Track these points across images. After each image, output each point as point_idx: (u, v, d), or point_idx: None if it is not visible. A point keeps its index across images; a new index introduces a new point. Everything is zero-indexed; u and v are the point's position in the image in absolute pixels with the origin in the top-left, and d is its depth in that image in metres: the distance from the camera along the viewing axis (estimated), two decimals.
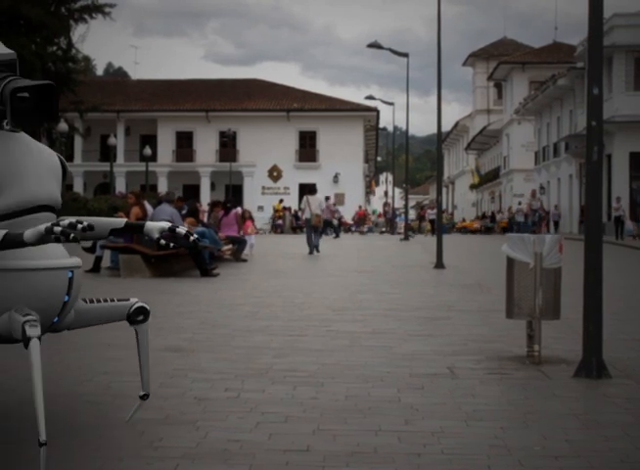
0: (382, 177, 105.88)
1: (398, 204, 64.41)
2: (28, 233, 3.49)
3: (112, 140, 45.30)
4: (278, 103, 61.12)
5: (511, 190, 61.49)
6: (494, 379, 5.46)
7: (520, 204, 53.42)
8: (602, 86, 5.69)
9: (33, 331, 3.56)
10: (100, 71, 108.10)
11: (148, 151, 50.31)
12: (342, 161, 59.15)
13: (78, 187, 57.73)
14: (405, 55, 35.46)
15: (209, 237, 15.79)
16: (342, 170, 59.63)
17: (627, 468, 3.63)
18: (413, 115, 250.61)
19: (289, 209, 51.04)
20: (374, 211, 62.66)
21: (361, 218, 54.42)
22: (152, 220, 14.04)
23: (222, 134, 59.29)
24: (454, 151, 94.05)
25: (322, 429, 4.15)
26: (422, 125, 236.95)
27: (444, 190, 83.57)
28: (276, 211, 51.24)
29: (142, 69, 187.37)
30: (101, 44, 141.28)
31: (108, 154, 47.41)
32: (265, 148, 59.36)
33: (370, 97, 52.14)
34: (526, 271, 6.04)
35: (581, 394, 5.16)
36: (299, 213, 46.96)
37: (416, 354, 6.34)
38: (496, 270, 14.09)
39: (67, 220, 3.47)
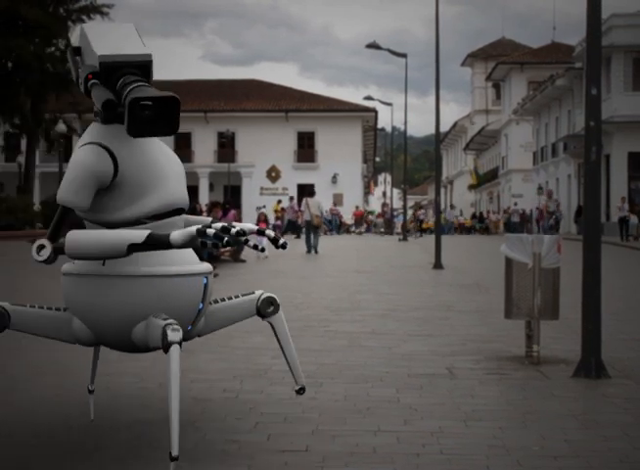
0: (380, 178, 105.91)
1: (397, 204, 64.41)
2: (176, 235, 3.37)
3: None
4: (276, 103, 61.13)
5: (509, 190, 61.52)
6: (493, 379, 5.46)
7: (516, 205, 53.51)
8: (600, 86, 5.69)
9: (175, 335, 3.39)
10: None
11: None
12: (341, 161, 59.16)
13: None
14: (404, 55, 35.48)
15: None
16: (340, 171, 59.65)
17: (626, 468, 3.63)
18: (411, 115, 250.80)
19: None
20: (372, 212, 62.63)
21: (358, 219, 54.38)
22: None
23: (221, 135, 59.33)
24: (452, 151, 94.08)
25: (321, 429, 4.15)
26: (420, 126, 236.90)
27: (443, 190, 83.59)
28: (275, 211, 51.25)
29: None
30: None
31: None
32: (264, 148, 59.36)
33: (368, 97, 52.17)
34: (525, 271, 6.04)
35: (580, 394, 5.16)
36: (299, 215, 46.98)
37: (415, 355, 6.34)
38: (495, 270, 14.10)
39: (219, 224, 3.36)
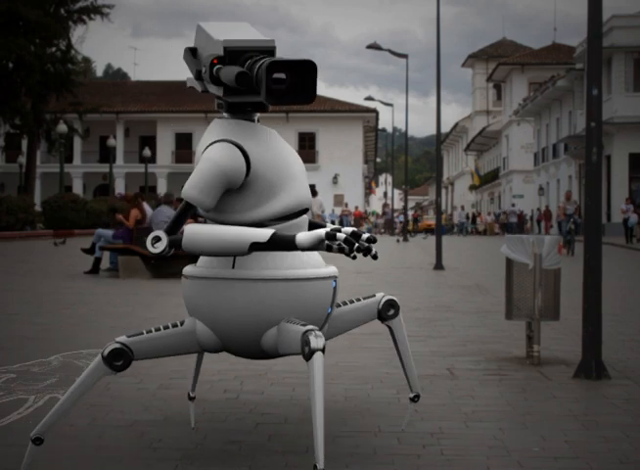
0: (381, 178, 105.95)
1: (398, 205, 64.43)
2: (303, 237, 3.22)
3: (111, 141, 45.35)
4: None
5: (510, 191, 61.55)
6: (493, 380, 5.46)
7: (513, 205, 53.59)
8: (601, 87, 5.69)
9: (319, 342, 3.22)
10: (99, 73, 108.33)
11: (147, 152, 50.37)
12: (342, 162, 59.21)
13: (78, 188, 57.82)
14: (404, 56, 35.50)
15: None
16: (341, 171, 59.69)
17: (627, 469, 3.63)
18: (412, 116, 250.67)
19: None
20: (373, 212, 62.67)
21: (357, 219, 54.39)
22: (151, 221, 14.10)
23: None
24: (453, 152, 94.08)
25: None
26: (421, 126, 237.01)
27: (444, 191, 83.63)
28: None
29: (141, 70, 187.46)
30: (100, 45, 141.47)
31: (107, 155, 47.49)
32: None
33: (369, 98, 52.21)
34: (526, 272, 6.04)
35: (581, 395, 5.15)
36: None
37: (415, 355, 6.30)
38: (495, 271, 14.11)
39: (348, 228, 3.22)
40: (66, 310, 9.15)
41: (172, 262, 14.30)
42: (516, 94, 59.65)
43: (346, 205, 55.38)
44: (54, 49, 43.50)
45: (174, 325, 3.56)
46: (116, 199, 30.93)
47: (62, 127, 38.48)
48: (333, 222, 54.07)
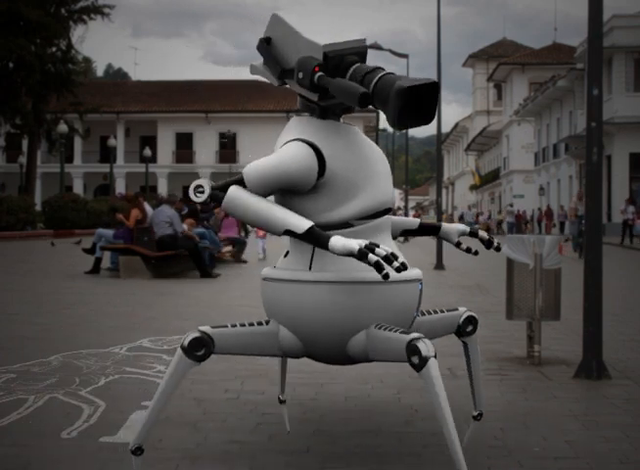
0: None
1: (398, 204, 64.44)
2: (337, 242, 3.04)
3: (111, 141, 45.36)
4: (278, 104, 61.16)
5: (511, 191, 61.55)
6: (494, 380, 5.45)
7: (512, 206, 53.61)
8: (602, 87, 5.69)
9: (430, 349, 3.13)
10: (100, 73, 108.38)
11: (148, 152, 50.39)
12: None
13: (78, 188, 57.83)
14: (405, 56, 35.49)
15: (209, 238, 15.80)
16: None
17: (627, 469, 3.63)
18: None
19: None
20: None
21: None
22: (151, 221, 14.10)
23: (222, 135, 59.34)
24: (454, 152, 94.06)
25: (322, 430, 4.15)
26: (421, 127, 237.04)
27: (444, 191, 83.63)
28: None
29: (141, 69, 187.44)
30: (101, 45, 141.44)
31: (107, 155, 47.49)
32: (265, 149, 58.99)
33: None
34: (526, 272, 6.04)
35: (581, 395, 5.15)
36: None
37: None
38: (496, 271, 14.10)
39: (382, 250, 2.99)
40: (66, 310, 9.15)
41: (172, 262, 14.32)
42: (516, 94, 59.64)
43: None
44: (54, 49, 43.53)
45: (259, 323, 3.46)
46: (117, 199, 30.96)
47: (62, 127, 38.49)
48: None
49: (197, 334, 3.25)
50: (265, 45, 3.50)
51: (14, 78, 40.45)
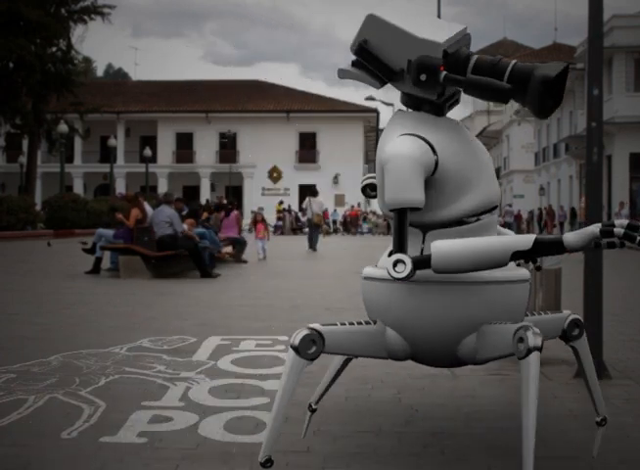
0: None
1: None
2: (572, 237, 2.93)
3: (111, 141, 45.37)
4: (278, 104, 61.19)
5: (511, 191, 61.56)
6: (494, 380, 5.45)
7: (510, 206, 53.66)
8: (602, 87, 5.68)
9: (537, 340, 3.01)
10: (100, 73, 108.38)
11: (148, 152, 50.41)
12: (343, 162, 59.21)
13: (78, 188, 57.86)
14: None
15: (209, 238, 15.79)
16: (342, 171, 59.69)
17: (627, 469, 3.62)
18: None
19: (289, 210, 51.07)
20: (374, 213, 62.67)
21: (353, 219, 54.39)
22: (152, 221, 14.10)
23: (222, 135, 59.36)
24: None
25: (322, 430, 4.15)
26: None
27: None
28: (277, 211, 51.33)
29: (141, 70, 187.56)
30: (101, 45, 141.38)
31: (108, 155, 47.51)
32: (265, 149, 59.43)
33: (370, 98, 52.20)
34: None
35: (581, 395, 5.14)
36: (300, 215, 47.22)
37: None
38: None
39: (624, 221, 2.88)
40: (66, 310, 9.15)
41: (172, 262, 14.32)
42: None
43: (359, 204, 55.57)
44: (54, 49, 43.55)
45: (367, 322, 3.37)
46: (117, 198, 30.96)
47: (62, 127, 38.49)
48: (335, 222, 54.22)
49: (307, 331, 3.17)
50: (364, 48, 3.37)
51: (14, 78, 40.47)
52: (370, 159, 75.36)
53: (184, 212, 16.43)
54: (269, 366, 5.81)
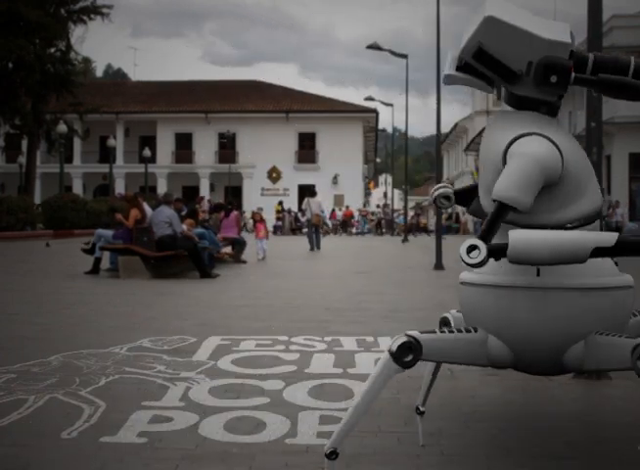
0: (381, 178, 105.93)
1: (398, 205, 64.48)
2: None
3: (111, 141, 45.38)
4: (277, 104, 61.19)
5: None
6: (494, 380, 5.45)
7: None
8: None
9: None
10: (99, 73, 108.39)
11: (147, 152, 50.42)
12: (342, 162, 59.21)
13: (78, 188, 57.87)
14: (404, 56, 35.49)
15: (209, 238, 15.80)
16: (341, 172, 59.70)
17: None
18: (412, 116, 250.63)
19: (289, 210, 51.09)
20: (373, 213, 62.72)
21: (347, 219, 54.42)
22: (151, 222, 14.11)
23: (221, 136, 59.38)
24: (454, 152, 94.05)
25: (322, 430, 4.15)
26: (421, 127, 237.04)
27: None
28: (276, 211, 51.36)
29: (141, 70, 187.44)
30: (100, 46, 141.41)
31: (107, 155, 47.53)
32: (264, 149, 59.43)
33: (369, 98, 52.20)
34: None
35: (581, 395, 5.15)
36: (300, 215, 47.26)
37: None
38: None
39: None
40: (66, 310, 9.15)
41: (172, 263, 14.32)
42: None
43: (365, 205, 55.70)
44: (54, 49, 43.55)
45: (467, 330, 3.29)
46: (116, 199, 30.96)
47: (62, 128, 38.48)
48: (344, 222, 54.30)
49: (405, 339, 3.12)
50: (484, 50, 3.28)
51: (13, 79, 40.47)
52: (369, 159, 75.36)
53: (183, 213, 16.43)
54: (269, 366, 5.81)
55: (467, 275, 3.41)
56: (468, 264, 2.99)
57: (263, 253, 19.56)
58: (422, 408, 4.03)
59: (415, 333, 3.15)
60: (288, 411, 4.52)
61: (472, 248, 2.99)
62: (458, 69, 3.43)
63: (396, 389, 5.12)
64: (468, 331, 3.29)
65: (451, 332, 3.27)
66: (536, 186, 3.08)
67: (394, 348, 3.11)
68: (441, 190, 3.92)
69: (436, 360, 3.34)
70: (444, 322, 3.77)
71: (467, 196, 3.92)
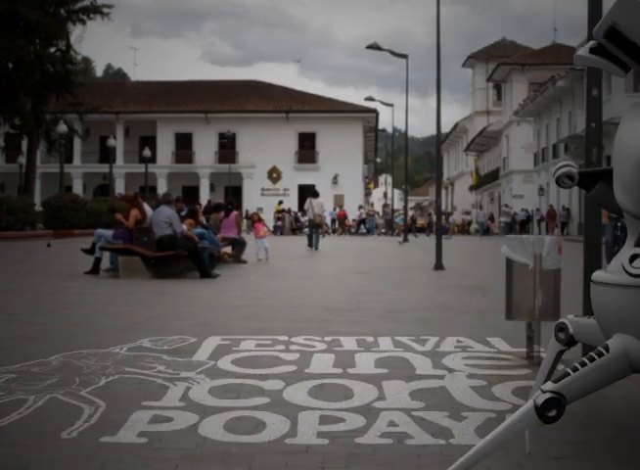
0: (381, 179, 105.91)
1: (398, 205, 64.48)
2: None
3: (111, 141, 45.37)
4: (277, 104, 61.19)
5: (510, 191, 61.56)
6: (494, 380, 5.45)
7: (507, 206, 53.75)
8: (601, 88, 5.69)
9: None
10: (99, 73, 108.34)
11: (147, 152, 50.42)
12: (342, 162, 59.22)
13: (78, 188, 57.86)
14: (404, 56, 35.49)
15: (209, 238, 15.79)
16: (341, 172, 59.70)
17: (627, 469, 3.63)
18: (412, 116, 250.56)
19: (288, 211, 51.08)
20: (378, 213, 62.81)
21: (340, 220, 54.41)
22: (151, 222, 14.11)
23: (221, 136, 59.38)
24: (454, 152, 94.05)
25: (321, 431, 4.15)
26: (421, 127, 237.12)
27: (444, 191, 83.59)
28: (276, 212, 51.35)
29: (141, 70, 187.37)
30: (100, 46, 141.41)
31: (107, 155, 47.53)
32: (264, 149, 59.43)
33: (369, 98, 52.21)
34: (526, 273, 6.04)
35: None
36: (300, 215, 47.28)
37: (415, 356, 6.34)
38: (495, 272, 14.11)
39: None
40: (66, 310, 9.15)
41: (172, 263, 14.32)
42: (516, 94, 59.61)
43: (372, 205, 55.78)
44: (54, 49, 43.54)
45: (599, 354, 3.12)
46: (116, 199, 30.93)
47: (62, 128, 38.48)
48: (333, 221, 54.31)
49: (550, 395, 3.00)
50: (616, 30, 3.14)
51: (13, 79, 40.45)
52: (369, 159, 75.33)
53: (183, 213, 16.43)
54: (269, 366, 5.81)
55: (601, 275, 3.25)
56: (631, 275, 2.87)
57: (265, 253, 19.40)
58: None
59: (552, 386, 3.03)
60: (288, 411, 4.51)
61: (634, 257, 2.88)
62: (592, 51, 3.30)
63: (397, 389, 5.12)
64: (599, 355, 3.13)
65: (583, 365, 3.11)
66: None
67: (540, 403, 3.00)
68: (565, 169, 3.65)
69: (582, 397, 3.17)
70: (560, 328, 3.61)
71: (591, 179, 3.73)
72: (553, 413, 3.00)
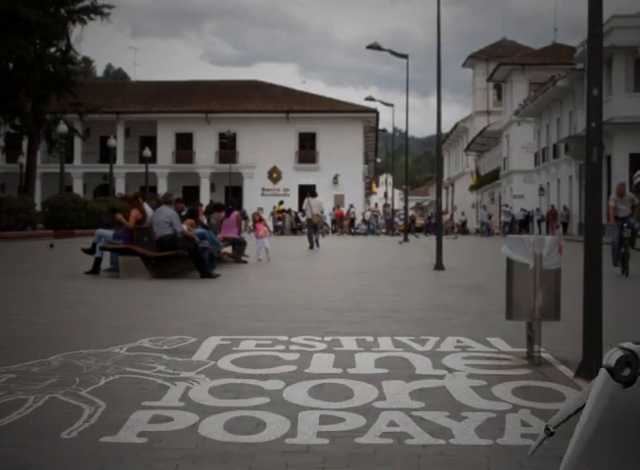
0: (381, 179, 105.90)
1: (398, 205, 64.46)
2: None
3: (111, 141, 45.36)
4: (277, 104, 61.18)
5: (510, 191, 61.56)
6: (494, 380, 5.45)
7: (507, 206, 53.78)
8: (601, 87, 5.69)
9: None
10: (100, 73, 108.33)
11: (147, 152, 50.43)
12: (342, 162, 59.22)
13: (78, 188, 57.86)
14: (405, 56, 35.49)
15: (209, 238, 15.79)
16: (341, 172, 59.70)
17: (627, 469, 3.62)
18: (413, 116, 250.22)
19: (288, 211, 51.08)
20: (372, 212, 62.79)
21: (338, 220, 54.41)
22: (151, 222, 14.10)
23: (222, 136, 59.39)
24: (454, 152, 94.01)
25: (321, 431, 4.15)
26: (422, 127, 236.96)
27: (444, 191, 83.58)
28: (277, 212, 51.35)
29: (141, 70, 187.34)
30: (100, 46, 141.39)
31: (107, 155, 47.50)
32: (265, 149, 59.43)
33: (369, 98, 52.22)
34: (526, 272, 6.04)
35: None
36: (300, 215, 47.28)
37: (416, 356, 6.34)
38: (496, 272, 14.10)
39: None
40: (66, 310, 9.15)
41: (172, 263, 14.32)
42: (516, 94, 59.60)
43: (376, 205, 55.81)
44: (54, 49, 43.54)
45: None
46: (117, 199, 30.90)
47: (62, 128, 38.47)
48: (334, 221, 54.32)
49: (621, 353, 2.91)
50: None
51: (13, 79, 40.45)
52: (370, 159, 75.28)
53: (183, 213, 16.42)
54: (269, 366, 5.81)
55: None
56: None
57: (266, 252, 19.36)
58: (552, 429, 3.35)
59: (629, 344, 2.92)
60: (288, 411, 4.51)
61: None
62: None
63: (396, 389, 5.12)
64: None
65: None
66: None
67: (612, 362, 2.91)
68: None
69: None
70: (627, 362, 3.32)
71: None
72: (627, 373, 2.91)
